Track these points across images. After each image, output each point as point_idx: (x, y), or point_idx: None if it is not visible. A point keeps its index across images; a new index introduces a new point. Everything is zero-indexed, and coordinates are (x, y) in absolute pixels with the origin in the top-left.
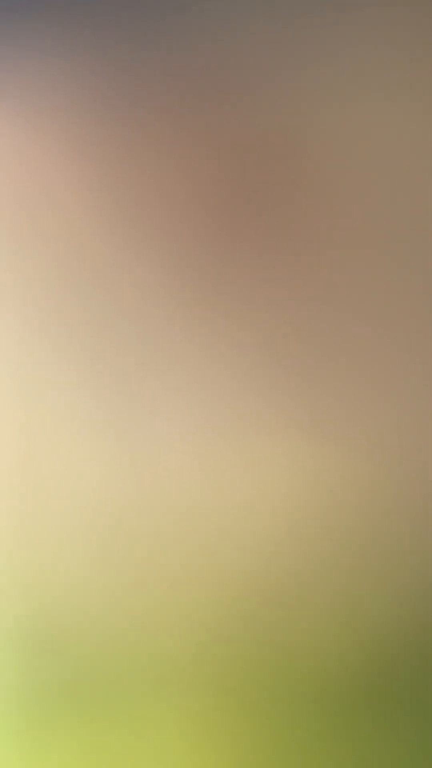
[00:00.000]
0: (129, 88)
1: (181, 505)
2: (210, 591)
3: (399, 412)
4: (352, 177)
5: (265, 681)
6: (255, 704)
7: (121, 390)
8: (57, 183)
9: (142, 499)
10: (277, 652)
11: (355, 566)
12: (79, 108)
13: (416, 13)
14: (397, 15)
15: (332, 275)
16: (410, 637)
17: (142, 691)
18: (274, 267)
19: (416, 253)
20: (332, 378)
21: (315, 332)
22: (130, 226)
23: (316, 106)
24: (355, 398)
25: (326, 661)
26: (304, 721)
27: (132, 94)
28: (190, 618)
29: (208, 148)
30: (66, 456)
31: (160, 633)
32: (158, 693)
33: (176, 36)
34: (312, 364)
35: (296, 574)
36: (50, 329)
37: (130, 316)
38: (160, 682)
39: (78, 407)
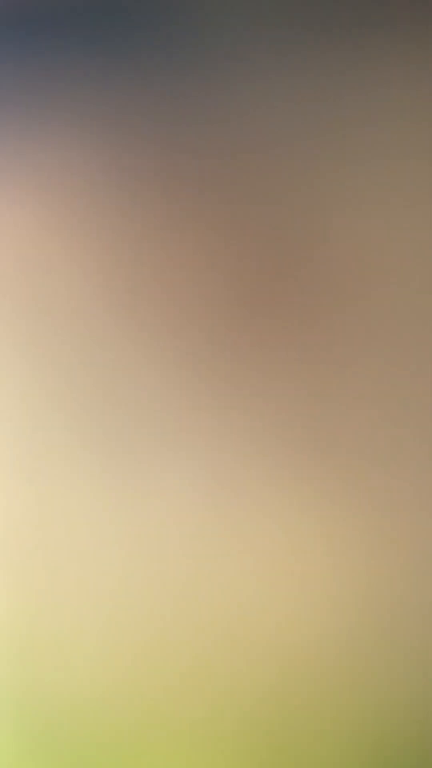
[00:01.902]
0: (132, 163)
1: (179, 587)
2: (209, 696)
3: (413, 493)
4: (356, 268)
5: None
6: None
7: (122, 473)
8: (58, 258)
9: (141, 580)
10: (282, 756)
11: (364, 671)
12: (81, 182)
13: (419, 84)
14: (400, 90)
15: (337, 365)
16: (420, 750)
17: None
18: (278, 354)
19: (420, 336)
20: (337, 465)
21: (318, 419)
22: (132, 307)
23: (320, 194)
24: (366, 477)
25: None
26: None
27: (135, 170)
28: (189, 721)
29: (213, 235)
30: (63, 534)
31: (155, 732)
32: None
33: (178, 121)
34: (316, 450)
35: (304, 679)
36: (51, 412)
37: (133, 397)
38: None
39: (79, 479)
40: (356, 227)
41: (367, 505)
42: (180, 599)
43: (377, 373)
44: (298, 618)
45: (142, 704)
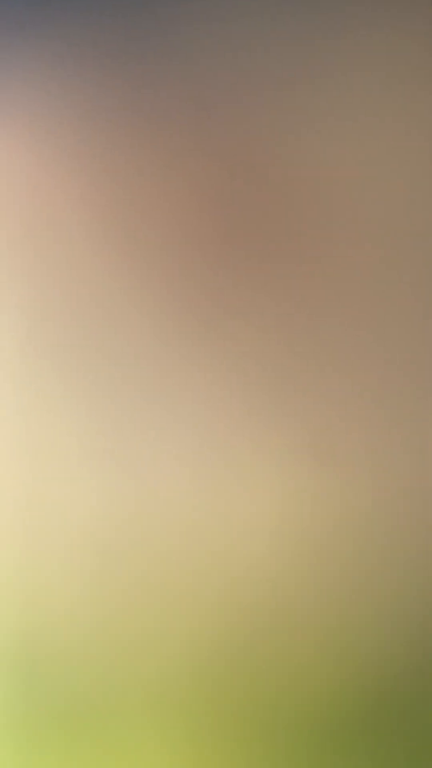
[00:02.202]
0: (129, 101)
1: (179, 526)
2: (207, 613)
3: (400, 431)
4: (350, 187)
5: (261, 702)
6: (251, 727)
7: (120, 410)
8: (56, 196)
9: (141, 520)
10: (274, 676)
11: (354, 590)
12: (79, 121)
13: (413, 30)
14: (395, 31)
15: (333, 293)
16: (409, 662)
17: (136, 717)
18: (271, 286)
19: (417, 272)
20: (333, 401)
21: (315, 350)
22: (130, 242)
23: (315, 118)
24: (356, 421)
25: (323, 684)
26: (301, 746)
27: (132, 107)
28: (186, 640)
29: (208, 163)
30: (65, 475)
31: (155, 654)
32: (153, 714)
33: (177, 51)
34: (313, 387)
35: (294, 597)
36: (47, 351)
37: (130, 336)
38: (155, 704)
39: (77, 428)
40: (354, 140)
41: (367, 430)
42: (177, 523)
43: (377, 301)
44: (290, 538)
45: (143, 619)
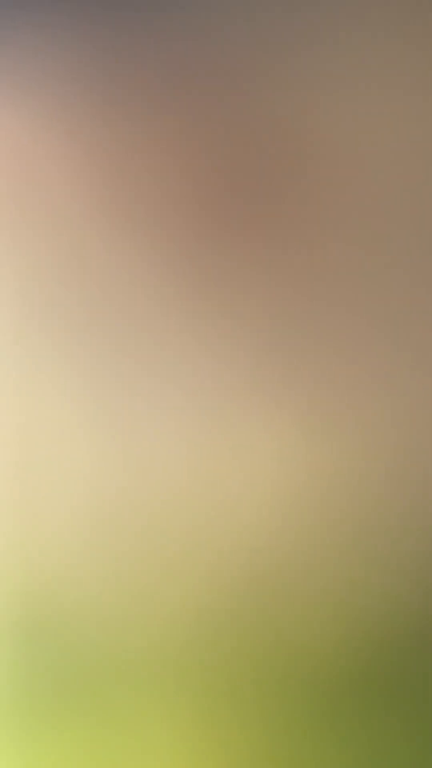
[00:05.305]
0: (126, 79)
1: (174, 494)
2: (204, 580)
3: (393, 401)
4: (351, 170)
5: (259, 669)
6: (249, 692)
7: (114, 380)
8: (53, 176)
9: (136, 489)
10: (272, 641)
11: (350, 556)
12: (76, 100)
13: (416, 4)
14: (397, 5)
15: (329, 265)
16: (406, 626)
17: (135, 680)
18: (268, 258)
19: (414, 245)
20: (326, 367)
21: (310, 322)
22: (127, 219)
23: (315, 97)
24: (350, 387)
25: (321, 652)
26: (299, 712)
27: (129, 85)
28: (183, 608)
29: (206, 142)
30: (61, 447)
31: (153, 622)
32: (151, 682)
33: (174, 27)
34: (306, 353)
35: (290, 563)
36: (44, 322)
37: (124, 308)
38: (154, 671)
39: (72, 399)
40: (355, 123)
41: (360, 396)
42: (173, 491)
43: (372, 272)
44: (285, 504)
45: (140, 587)
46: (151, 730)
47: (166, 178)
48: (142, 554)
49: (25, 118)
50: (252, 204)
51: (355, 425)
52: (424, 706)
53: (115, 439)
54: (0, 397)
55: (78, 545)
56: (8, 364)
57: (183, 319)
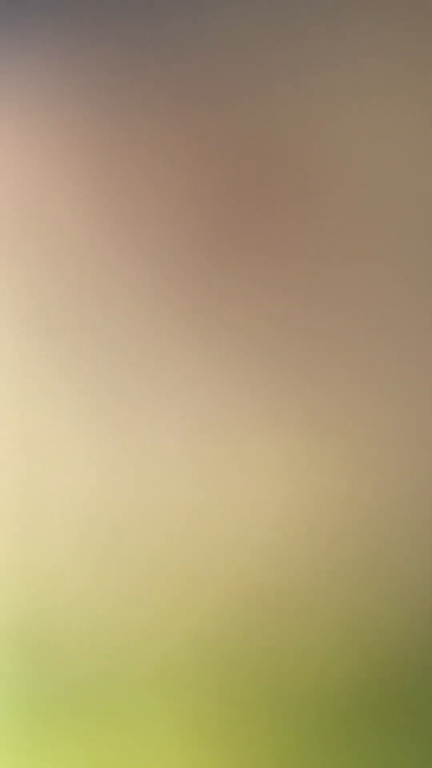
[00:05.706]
0: (128, 94)
1: (177, 508)
2: (207, 593)
3: (398, 414)
4: (353, 185)
5: (264, 691)
6: (254, 716)
7: (117, 394)
8: (54, 191)
9: (139, 504)
10: (277, 662)
11: (356, 572)
12: (77, 115)
13: (414, 21)
14: (396, 22)
15: (330, 280)
16: (416, 648)
17: (139, 700)
18: (270, 272)
19: (416, 260)
20: (330, 381)
21: (312, 335)
22: (128, 233)
23: (316, 112)
24: (354, 400)
25: (326, 670)
26: (304, 734)
27: (131, 98)
28: (186, 620)
29: (208, 156)
30: (63, 462)
31: (157, 640)
32: (156, 702)
33: (177, 41)
34: (309, 366)
35: (296, 579)
36: (47, 334)
37: (126, 323)
38: (158, 692)
39: (76, 413)
40: (356, 137)
41: (364, 408)
42: (178, 507)
43: (372, 282)
44: (290, 519)
45: (144, 605)
46: (151, 740)
47: (167, 192)
48: (144, 568)
49: (26, 133)
50: (253, 218)
51: (360, 438)
52: (430, 724)
53: (117, 455)
54: (2, 412)
55: (80, 559)
56: (10, 378)
57: (185, 333)
